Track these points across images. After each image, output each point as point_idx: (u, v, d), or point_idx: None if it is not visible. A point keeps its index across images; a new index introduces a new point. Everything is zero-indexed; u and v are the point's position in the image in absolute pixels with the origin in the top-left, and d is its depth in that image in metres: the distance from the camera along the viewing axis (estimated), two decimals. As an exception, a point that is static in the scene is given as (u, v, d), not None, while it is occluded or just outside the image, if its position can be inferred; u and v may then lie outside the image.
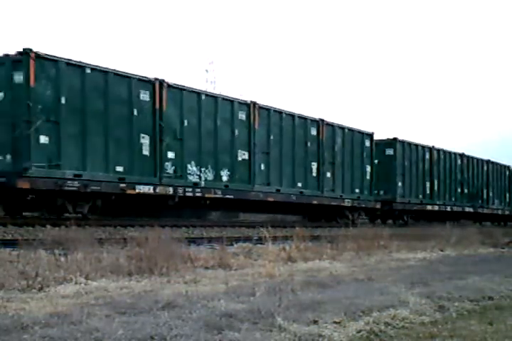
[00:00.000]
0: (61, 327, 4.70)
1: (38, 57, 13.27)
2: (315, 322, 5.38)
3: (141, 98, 15.55)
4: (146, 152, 15.58)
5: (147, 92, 15.66)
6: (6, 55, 13.49)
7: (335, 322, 5.44)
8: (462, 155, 30.53)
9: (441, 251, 15.32)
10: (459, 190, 29.99)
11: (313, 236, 14.48)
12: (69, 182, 13.73)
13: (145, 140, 15.58)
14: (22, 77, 13.24)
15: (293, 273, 8.88)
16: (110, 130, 14.73)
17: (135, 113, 15.32)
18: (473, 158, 31.42)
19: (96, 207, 14.86)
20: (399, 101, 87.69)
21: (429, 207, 27.55)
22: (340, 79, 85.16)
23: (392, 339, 5.30)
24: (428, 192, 27.52)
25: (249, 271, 8.92)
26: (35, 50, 13.19)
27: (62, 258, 8.34)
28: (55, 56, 13.68)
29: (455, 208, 29.59)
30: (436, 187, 27.96)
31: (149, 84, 15.78)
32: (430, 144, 27.96)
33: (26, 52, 13.08)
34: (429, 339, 5.27)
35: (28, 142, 13.16)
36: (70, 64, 13.92)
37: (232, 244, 12.35)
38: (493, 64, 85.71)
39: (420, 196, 26.98)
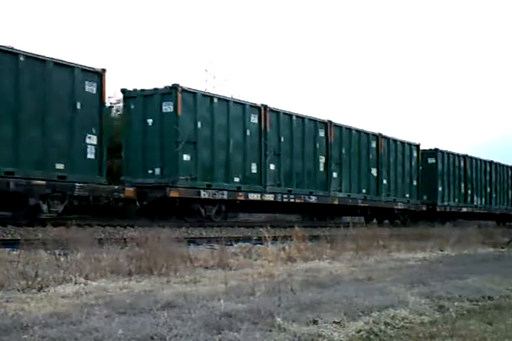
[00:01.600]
0: (61, 327, 4.70)
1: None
2: (314, 322, 5.38)
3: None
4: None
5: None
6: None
7: (334, 322, 5.43)
8: None
9: (441, 251, 15.33)
10: None
11: (312, 236, 14.49)
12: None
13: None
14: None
15: (292, 273, 8.89)
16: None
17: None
18: None
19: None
20: (400, 103, 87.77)
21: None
22: (340, 79, 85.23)
23: (392, 339, 5.30)
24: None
25: (249, 271, 8.91)
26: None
27: (62, 258, 8.34)
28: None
29: None
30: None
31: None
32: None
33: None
34: (429, 339, 5.27)
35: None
36: None
37: (231, 244, 12.36)
38: (495, 64, 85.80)
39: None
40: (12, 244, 9.92)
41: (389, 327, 5.61)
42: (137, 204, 16.05)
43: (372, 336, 5.28)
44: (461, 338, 5.33)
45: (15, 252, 8.67)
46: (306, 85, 77.36)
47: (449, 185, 29.40)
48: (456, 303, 6.97)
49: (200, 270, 8.90)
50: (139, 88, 17.19)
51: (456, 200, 30.03)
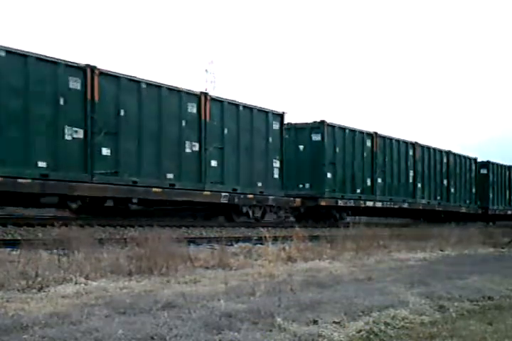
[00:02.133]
0: (61, 327, 4.70)
1: None
2: (315, 322, 5.38)
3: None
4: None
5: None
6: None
7: (335, 322, 5.43)
8: None
9: (441, 251, 15.33)
10: None
11: (312, 236, 14.49)
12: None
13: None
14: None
15: (293, 273, 8.88)
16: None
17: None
18: None
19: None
20: (399, 100, 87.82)
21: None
22: (337, 78, 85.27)
23: (392, 339, 5.30)
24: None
25: (249, 271, 8.92)
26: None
27: (63, 258, 8.34)
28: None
29: None
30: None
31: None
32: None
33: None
34: (429, 339, 5.27)
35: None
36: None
37: (232, 244, 12.36)
38: (495, 62, 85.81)
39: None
40: (12, 244, 9.91)
41: (389, 327, 5.61)
42: (301, 210, 21.63)
43: (372, 336, 5.28)
44: (461, 338, 5.33)
45: (15, 252, 8.67)
46: (304, 85, 77.36)
47: (497, 192, 34.92)
48: (456, 303, 6.97)
49: (200, 270, 8.90)
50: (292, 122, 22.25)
51: (503, 205, 35.50)
